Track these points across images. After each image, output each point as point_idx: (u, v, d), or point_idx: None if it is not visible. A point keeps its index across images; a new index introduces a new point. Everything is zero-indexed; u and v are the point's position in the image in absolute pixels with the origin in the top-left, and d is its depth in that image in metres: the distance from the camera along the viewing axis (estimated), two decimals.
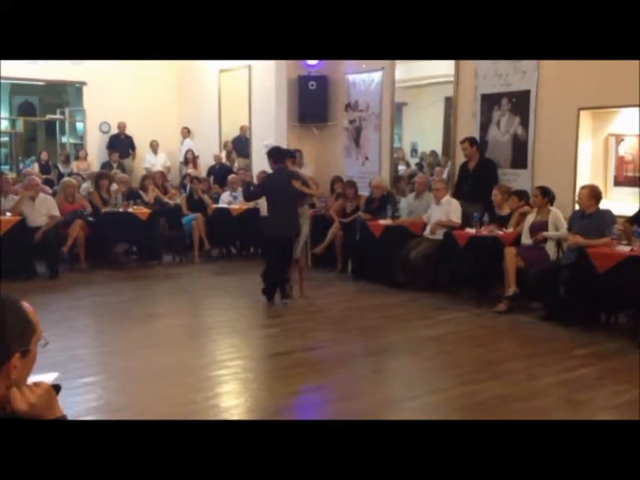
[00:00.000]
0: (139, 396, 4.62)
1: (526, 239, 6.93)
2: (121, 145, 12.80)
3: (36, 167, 12.58)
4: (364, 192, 9.19)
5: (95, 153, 13.01)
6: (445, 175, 8.94)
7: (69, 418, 1.62)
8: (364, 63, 9.53)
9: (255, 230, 9.28)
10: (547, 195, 6.88)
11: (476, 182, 7.91)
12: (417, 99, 10.22)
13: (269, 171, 10.48)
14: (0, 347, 1.48)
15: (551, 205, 6.90)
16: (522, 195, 7.33)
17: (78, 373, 4.86)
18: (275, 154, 7.13)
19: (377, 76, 9.44)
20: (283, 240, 6.96)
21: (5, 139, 15.72)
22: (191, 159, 12.54)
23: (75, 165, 12.53)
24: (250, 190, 9.07)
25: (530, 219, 6.97)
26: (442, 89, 9.19)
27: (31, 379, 1.59)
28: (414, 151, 10.62)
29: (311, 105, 10.11)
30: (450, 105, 8.81)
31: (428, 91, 10.13)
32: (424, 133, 10.58)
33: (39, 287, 7.82)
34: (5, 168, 13.79)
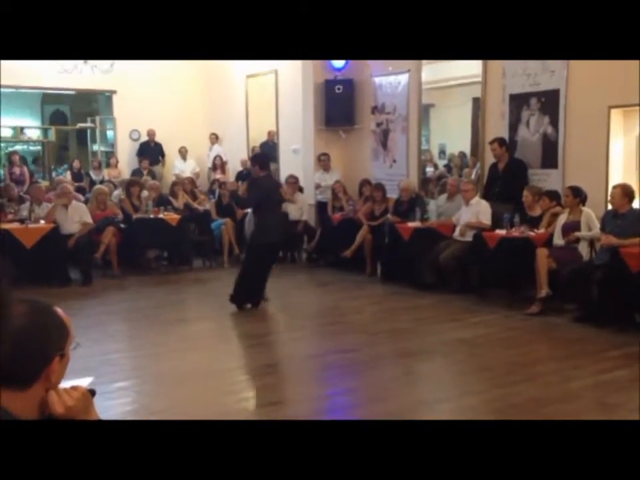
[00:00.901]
0: (172, 399, 4.67)
1: (558, 240, 6.85)
2: (150, 152, 12.96)
3: (68, 175, 12.80)
4: (392, 195, 9.17)
5: (126, 160, 13.18)
6: (473, 176, 8.89)
7: None
8: (390, 65, 9.51)
9: (284, 234, 9.32)
10: (578, 195, 6.80)
11: (506, 183, 7.85)
12: (444, 100, 10.17)
13: (298, 175, 10.51)
14: (43, 351, 1.52)
15: (583, 204, 6.81)
16: (553, 196, 7.25)
17: (112, 378, 4.93)
18: (263, 160, 7.14)
19: (403, 78, 9.42)
20: (273, 247, 7.08)
21: (38, 147, 16.01)
22: (219, 165, 12.64)
23: (106, 173, 12.73)
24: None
25: (562, 219, 6.89)
26: (469, 89, 9.14)
27: (66, 384, 1.62)
28: (442, 152, 10.57)
29: (338, 109, 10.12)
30: (478, 105, 8.75)
31: (455, 91, 10.08)
32: (452, 134, 10.52)
33: (72, 292, 7.94)
34: (38, 176, 14.04)
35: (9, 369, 1.48)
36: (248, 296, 7.01)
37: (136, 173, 12.32)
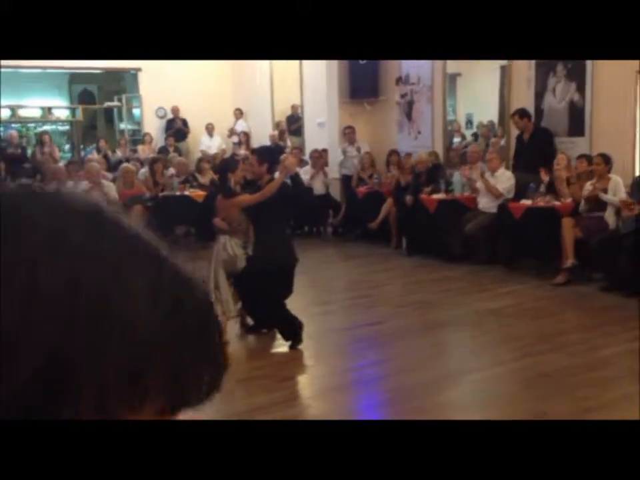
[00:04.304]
0: None
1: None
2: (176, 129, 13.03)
3: (95, 154, 12.94)
4: None
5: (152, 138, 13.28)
6: (502, 143, 8.78)
7: None
8: None
9: (309, 209, 9.37)
10: (608, 163, 6.72)
11: (532, 152, 7.77)
12: (471, 69, 10.03)
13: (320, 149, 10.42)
14: None
15: (609, 172, 6.74)
16: (590, 160, 7.05)
17: None
18: (274, 160, 5.46)
19: None
20: (290, 269, 5.39)
21: (66, 127, 16.17)
22: (244, 141, 12.67)
23: (141, 149, 12.79)
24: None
25: (589, 187, 6.82)
26: None
27: None
28: (469, 122, 10.48)
29: (362, 80, 10.06)
30: (506, 73, 8.64)
31: (482, 60, 9.94)
32: (479, 103, 10.40)
33: None
34: (67, 156, 14.22)
35: None
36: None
37: (162, 150, 12.41)
